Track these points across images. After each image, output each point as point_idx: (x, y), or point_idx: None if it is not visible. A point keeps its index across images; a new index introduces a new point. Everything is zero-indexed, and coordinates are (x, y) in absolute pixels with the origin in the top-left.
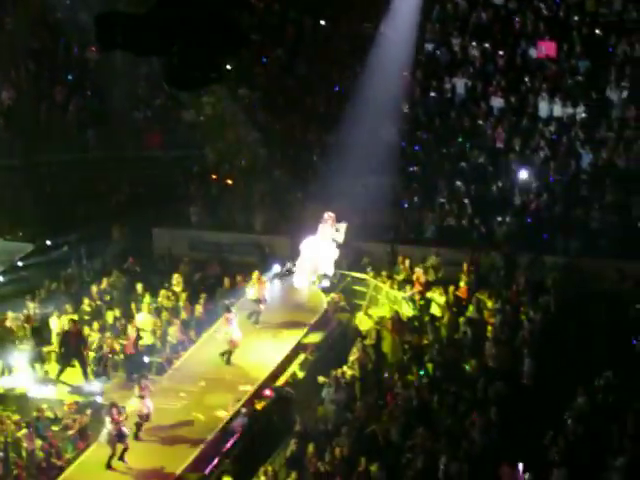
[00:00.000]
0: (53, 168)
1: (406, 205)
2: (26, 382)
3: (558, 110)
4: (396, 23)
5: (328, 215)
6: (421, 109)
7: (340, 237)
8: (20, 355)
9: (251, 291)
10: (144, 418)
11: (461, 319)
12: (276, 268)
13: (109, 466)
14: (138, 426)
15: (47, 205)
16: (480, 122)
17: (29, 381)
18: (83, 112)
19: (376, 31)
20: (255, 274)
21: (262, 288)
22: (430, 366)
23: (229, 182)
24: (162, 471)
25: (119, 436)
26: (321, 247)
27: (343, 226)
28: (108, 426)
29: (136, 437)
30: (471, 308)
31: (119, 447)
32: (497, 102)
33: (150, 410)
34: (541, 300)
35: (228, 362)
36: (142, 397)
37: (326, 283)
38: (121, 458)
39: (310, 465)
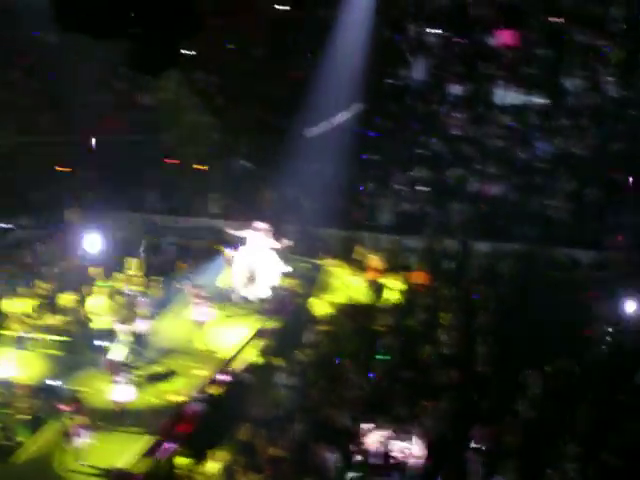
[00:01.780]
0: (7, 151)
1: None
2: None
3: (514, 98)
4: (354, 8)
5: (261, 226)
6: (378, 95)
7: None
8: None
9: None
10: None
11: (415, 305)
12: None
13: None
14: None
15: (1, 189)
16: (436, 108)
17: None
18: (40, 95)
19: (334, 16)
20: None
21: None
22: (384, 352)
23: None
24: (114, 457)
25: (76, 434)
26: (257, 259)
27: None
28: (66, 422)
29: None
30: (426, 295)
31: (75, 443)
32: (454, 89)
33: (127, 398)
34: (496, 287)
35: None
36: (117, 383)
37: (284, 269)
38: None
39: (263, 450)
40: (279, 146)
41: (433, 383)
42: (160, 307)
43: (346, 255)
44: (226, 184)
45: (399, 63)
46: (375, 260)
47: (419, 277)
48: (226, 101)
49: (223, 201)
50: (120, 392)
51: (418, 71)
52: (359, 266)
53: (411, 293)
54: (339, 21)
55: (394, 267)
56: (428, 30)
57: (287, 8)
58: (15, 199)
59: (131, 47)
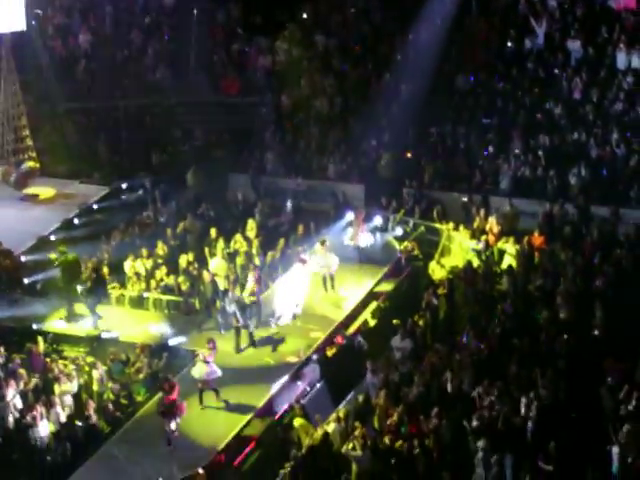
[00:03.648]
0: (130, 112)
1: (482, 155)
2: (99, 324)
3: (636, 62)
4: None
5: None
6: (499, 59)
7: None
8: (93, 298)
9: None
10: (208, 384)
11: (533, 270)
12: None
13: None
14: (200, 392)
15: (123, 149)
16: (557, 73)
17: (102, 323)
18: (160, 56)
19: None
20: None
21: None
22: (501, 316)
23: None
24: (232, 417)
25: (170, 414)
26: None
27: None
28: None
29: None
30: (544, 259)
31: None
32: (575, 47)
33: (214, 376)
34: (614, 253)
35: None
36: (207, 362)
37: (399, 231)
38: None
39: (381, 414)
40: (397, 108)
41: (549, 348)
42: (277, 269)
43: (465, 219)
44: (346, 147)
45: (521, 27)
46: (494, 224)
47: (538, 241)
48: (345, 63)
49: (342, 164)
50: (204, 369)
51: (540, 36)
52: (478, 230)
53: (529, 257)
54: None
55: (513, 231)
56: None
57: None
58: (136, 159)
59: (248, 9)
